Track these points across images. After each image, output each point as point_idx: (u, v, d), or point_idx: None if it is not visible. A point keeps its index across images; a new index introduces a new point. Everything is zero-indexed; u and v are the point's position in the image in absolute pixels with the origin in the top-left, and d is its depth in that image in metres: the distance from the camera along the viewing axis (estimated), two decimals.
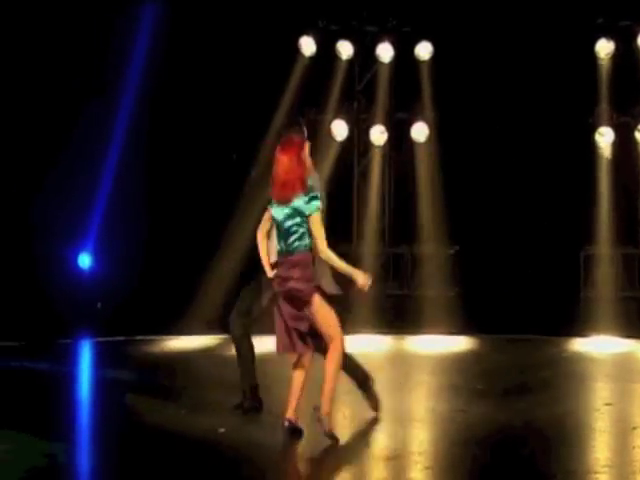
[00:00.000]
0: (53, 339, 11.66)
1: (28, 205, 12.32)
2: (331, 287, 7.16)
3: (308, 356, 6.93)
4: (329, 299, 6.98)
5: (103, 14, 12.10)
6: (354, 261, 13.05)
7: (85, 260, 13.22)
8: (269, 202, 7.02)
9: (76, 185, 12.55)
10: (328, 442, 6.75)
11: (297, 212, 6.85)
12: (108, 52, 12.25)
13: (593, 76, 12.99)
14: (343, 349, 6.92)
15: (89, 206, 12.90)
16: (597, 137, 13.03)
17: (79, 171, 12.50)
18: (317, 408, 6.81)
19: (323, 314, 6.84)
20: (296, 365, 6.94)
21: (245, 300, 7.66)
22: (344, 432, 7.09)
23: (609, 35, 12.84)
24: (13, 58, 12.17)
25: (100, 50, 12.14)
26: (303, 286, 6.78)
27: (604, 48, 12.93)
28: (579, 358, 11.02)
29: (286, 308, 6.84)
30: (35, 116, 12.29)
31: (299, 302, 6.80)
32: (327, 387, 6.82)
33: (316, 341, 6.92)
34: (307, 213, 6.84)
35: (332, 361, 6.84)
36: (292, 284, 6.78)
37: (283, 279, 6.83)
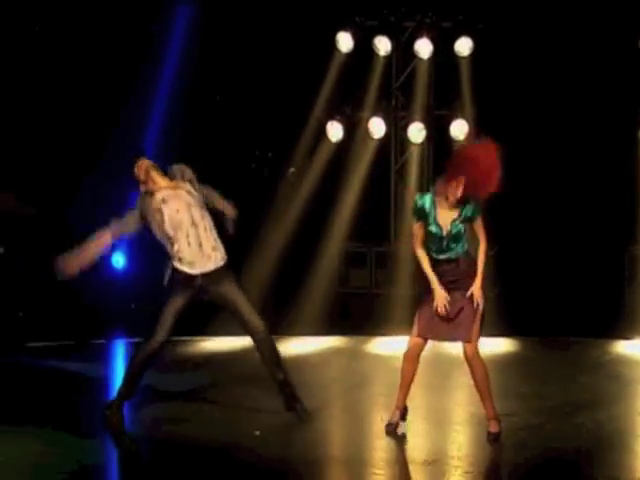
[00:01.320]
0: (87, 339, 11.74)
1: (65, 205, 12.41)
2: None
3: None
4: None
5: (138, 17, 12.19)
6: (392, 261, 13.19)
7: (119, 260, 13.29)
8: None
9: (112, 183, 12.62)
10: (367, 444, 6.76)
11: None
12: (144, 52, 12.32)
13: (637, 72, 12.88)
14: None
15: (123, 206, 12.95)
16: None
17: (115, 169, 12.57)
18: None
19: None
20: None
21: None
22: (382, 435, 7.09)
23: None
24: (52, 63, 12.29)
25: (135, 51, 12.22)
26: None
27: None
28: (622, 361, 10.93)
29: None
30: (73, 119, 12.40)
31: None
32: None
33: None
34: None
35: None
36: None
37: None
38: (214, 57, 12.69)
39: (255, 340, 7.67)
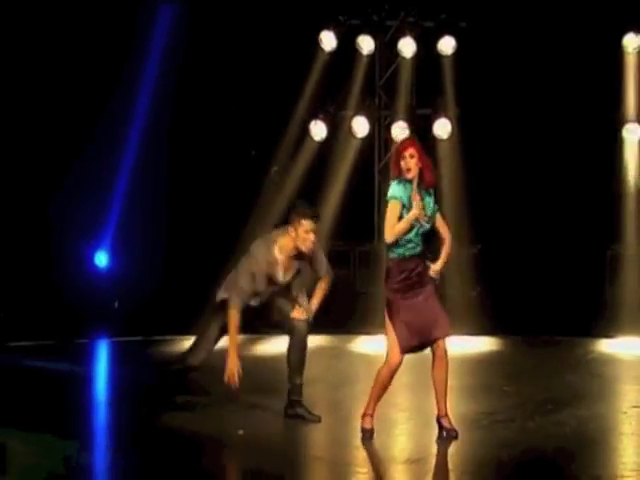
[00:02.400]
0: (70, 339, 11.73)
1: (46, 203, 12.40)
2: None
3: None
4: None
5: (123, 14, 12.19)
6: (375, 261, 13.22)
7: (102, 258, 13.29)
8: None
9: (94, 182, 12.62)
10: (350, 444, 6.79)
11: None
12: (128, 50, 12.32)
13: (620, 70, 12.96)
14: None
15: (106, 203, 12.97)
16: (624, 132, 13.00)
17: (97, 168, 12.58)
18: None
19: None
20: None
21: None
22: (366, 435, 7.11)
23: (637, 29, 12.80)
24: (33, 57, 12.26)
25: (119, 48, 12.22)
26: None
27: (632, 42, 12.89)
28: (605, 359, 11.01)
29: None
30: (54, 114, 12.37)
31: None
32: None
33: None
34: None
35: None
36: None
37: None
38: (198, 56, 12.70)
39: (291, 338, 7.69)
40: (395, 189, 7.05)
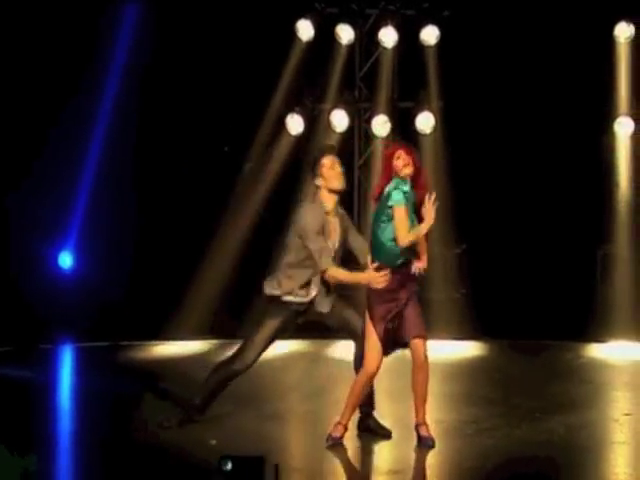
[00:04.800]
0: (32, 344, 11.68)
1: (4, 201, 12.34)
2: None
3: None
4: None
5: (87, 13, 12.20)
6: (355, 260, 13.22)
7: (66, 260, 13.23)
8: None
9: (57, 179, 12.58)
10: (329, 453, 6.77)
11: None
12: (91, 48, 12.32)
13: (611, 62, 13.01)
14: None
15: (71, 201, 12.93)
16: (616, 126, 13.04)
17: (61, 164, 12.54)
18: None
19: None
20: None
21: None
22: (346, 444, 7.12)
23: (630, 18, 12.84)
24: None
25: (83, 47, 12.22)
26: None
27: (624, 31, 12.94)
28: (596, 365, 11.05)
29: None
30: (15, 110, 12.33)
31: None
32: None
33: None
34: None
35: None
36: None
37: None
38: (169, 46, 12.66)
39: (356, 343, 7.62)
40: (397, 193, 7.08)
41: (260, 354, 7.52)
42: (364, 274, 7.25)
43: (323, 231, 7.39)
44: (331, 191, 7.45)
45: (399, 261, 7.14)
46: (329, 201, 7.46)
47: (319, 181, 7.45)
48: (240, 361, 7.53)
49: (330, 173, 7.44)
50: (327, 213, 7.44)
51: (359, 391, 7.14)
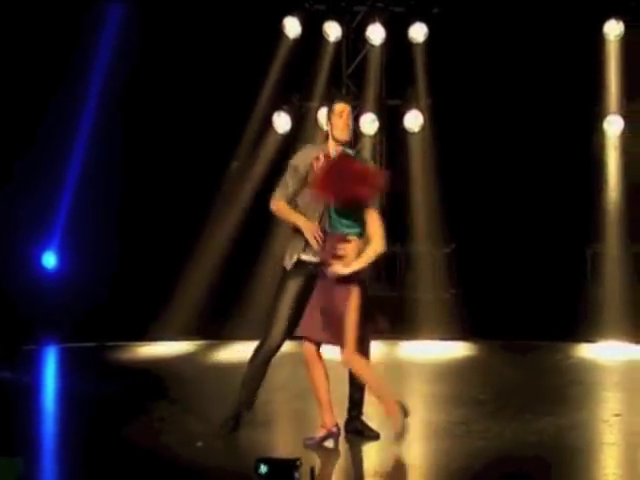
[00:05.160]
0: (16, 345, 11.62)
1: None
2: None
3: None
4: None
5: (69, 10, 12.18)
6: None
7: (50, 259, 13.19)
8: None
9: (40, 179, 12.53)
10: (319, 456, 6.76)
11: None
12: (75, 48, 12.30)
13: (601, 60, 13.01)
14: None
15: (54, 201, 12.88)
16: (605, 125, 13.04)
17: (44, 162, 12.50)
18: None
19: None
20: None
21: None
22: (335, 446, 7.09)
23: (619, 15, 12.84)
24: None
25: (67, 44, 12.19)
26: None
27: (613, 29, 12.94)
28: (586, 365, 11.05)
29: None
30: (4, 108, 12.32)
31: None
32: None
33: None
34: None
35: None
36: None
37: None
38: (155, 44, 12.62)
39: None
40: None
41: (288, 327, 7.39)
42: (304, 220, 7.23)
43: (306, 174, 7.35)
44: (335, 140, 7.42)
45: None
46: (332, 149, 7.42)
47: (329, 126, 7.45)
48: (271, 339, 7.42)
49: (337, 121, 7.42)
50: (322, 151, 7.40)
51: (314, 386, 7.13)
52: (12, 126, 12.35)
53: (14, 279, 12.28)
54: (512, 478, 6.45)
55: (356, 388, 7.50)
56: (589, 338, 12.34)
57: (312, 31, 13.14)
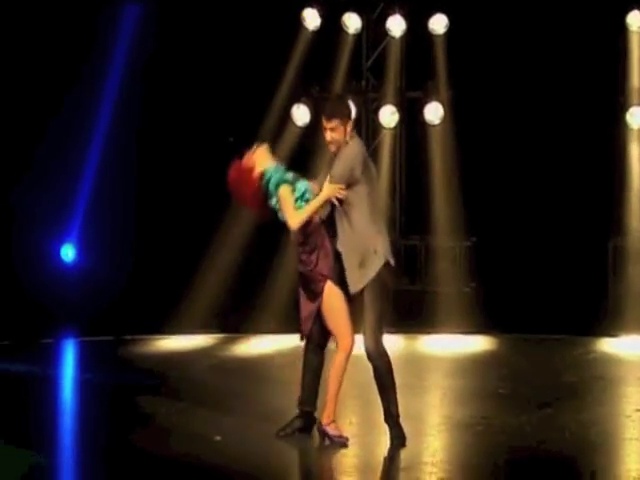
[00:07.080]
0: (34, 339, 11.68)
1: (7, 193, 12.36)
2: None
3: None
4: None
5: (87, 8, 12.26)
6: None
7: (68, 252, 13.24)
8: None
9: (59, 173, 12.59)
10: (337, 450, 6.78)
11: None
12: (93, 45, 12.39)
13: (624, 50, 12.97)
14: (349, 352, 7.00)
15: (73, 195, 12.94)
16: (628, 118, 13.01)
17: (63, 157, 12.55)
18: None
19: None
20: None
21: None
22: (353, 440, 7.11)
23: None
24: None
25: (85, 39, 12.29)
26: None
27: (636, 19, 12.90)
28: (607, 360, 11.03)
29: None
30: (17, 105, 12.37)
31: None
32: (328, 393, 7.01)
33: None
34: None
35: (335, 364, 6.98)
36: None
37: None
38: (174, 37, 12.67)
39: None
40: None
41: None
42: (320, 194, 7.23)
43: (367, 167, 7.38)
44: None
45: None
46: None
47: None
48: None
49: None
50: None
51: (339, 375, 7.13)
52: (31, 122, 12.42)
53: (33, 273, 12.35)
54: None
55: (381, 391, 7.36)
56: (611, 332, 12.32)
57: (331, 23, 13.15)
